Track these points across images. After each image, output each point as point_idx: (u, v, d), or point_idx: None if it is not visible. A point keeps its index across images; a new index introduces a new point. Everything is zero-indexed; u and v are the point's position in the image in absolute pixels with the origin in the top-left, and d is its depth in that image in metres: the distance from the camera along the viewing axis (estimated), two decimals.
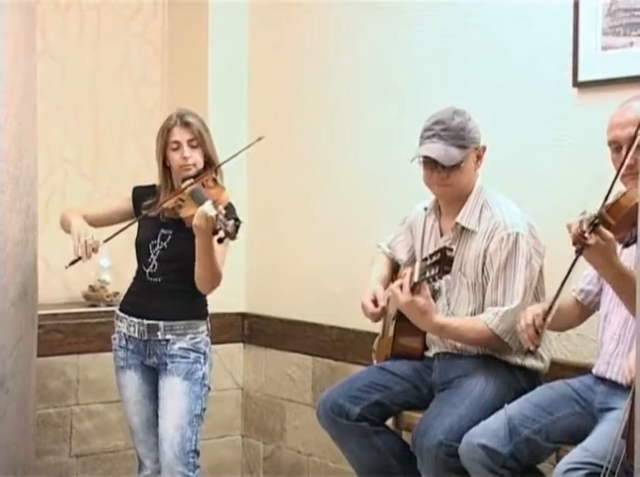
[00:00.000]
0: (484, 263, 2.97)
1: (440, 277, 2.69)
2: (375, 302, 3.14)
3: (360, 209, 3.95)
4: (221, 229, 2.88)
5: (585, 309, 2.87)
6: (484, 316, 2.93)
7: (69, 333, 4.08)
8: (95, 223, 3.29)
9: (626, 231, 2.34)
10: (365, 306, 3.15)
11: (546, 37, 3.27)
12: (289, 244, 4.29)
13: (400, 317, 3.11)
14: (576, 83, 3.17)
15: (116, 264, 4.32)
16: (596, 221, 2.30)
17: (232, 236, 2.88)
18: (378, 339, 3.35)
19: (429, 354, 3.14)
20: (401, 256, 3.28)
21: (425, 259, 2.75)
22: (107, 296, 4.28)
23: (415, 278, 2.75)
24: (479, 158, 3.02)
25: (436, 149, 2.95)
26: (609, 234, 2.32)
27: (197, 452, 3.21)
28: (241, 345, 4.47)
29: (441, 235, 3.10)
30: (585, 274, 2.82)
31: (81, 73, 4.41)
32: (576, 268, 2.49)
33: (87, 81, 4.43)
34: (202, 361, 3.22)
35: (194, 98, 4.15)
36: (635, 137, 2.39)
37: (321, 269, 4.12)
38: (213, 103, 4.36)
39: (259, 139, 3.21)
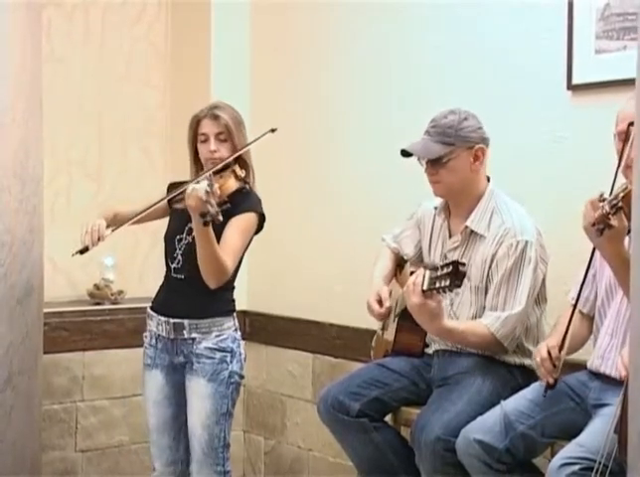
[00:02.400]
0: (490, 268, 2.96)
1: (451, 290, 2.67)
2: (379, 302, 3.15)
3: (360, 208, 3.96)
4: (208, 212, 2.77)
5: (591, 318, 2.83)
6: (485, 320, 2.93)
7: (74, 330, 4.09)
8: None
9: (629, 221, 2.36)
10: (370, 307, 3.15)
11: (541, 41, 3.28)
12: (290, 244, 4.30)
13: (402, 315, 3.12)
14: (571, 86, 3.18)
15: (120, 263, 4.34)
16: (619, 204, 2.32)
17: (217, 220, 2.78)
18: (376, 336, 3.36)
19: (429, 351, 3.15)
20: (408, 251, 3.27)
21: (436, 269, 2.71)
22: (112, 294, 4.29)
23: (425, 287, 2.71)
24: (477, 159, 2.99)
25: (416, 144, 2.99)
26: (625, 218, 2.34)
27: (227, 446, 3.15)
28: (243, 342, 4.46)
29: (450, 236, 3.10)
30: (578, 281, 2.80)
31: (86, 75, 4.42)
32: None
33: (92, 84, 4.43)
34: (228, 360, 3.12)
35: (196, 100, 4.15)
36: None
37: (321, 268, 4.13)
38: None
39: (273, 131, 3.13)
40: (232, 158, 3.10)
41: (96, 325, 4.16)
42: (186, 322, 3.12)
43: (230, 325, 3.18)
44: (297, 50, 4.28)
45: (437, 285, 2.66)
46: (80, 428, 4.15)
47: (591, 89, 3.12)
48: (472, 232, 3.01)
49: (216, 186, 2.84)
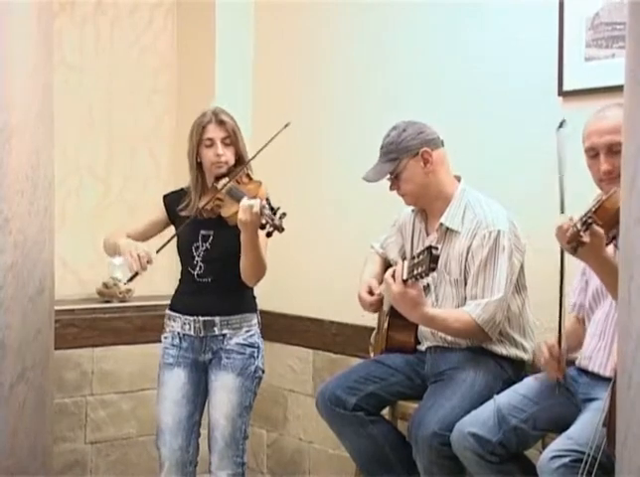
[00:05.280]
0: (466, 260, 2.98)
1: (427, 274, 2.71)
2: (371, 293, 3.16)
3: (358, 209, 3.96)
4: (267, 223, 2.80)
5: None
6: (467, 307, 2.95)
7: (84, 327, 4.10)
8: (138, 239, 3.20)
9: (607, 231, 2.36)
10: (362, 298, 3.17)
11: (533, 49, 3.29)
12: (291, 245, 4.28)
13: (393, 313, 3.13)
14: (561, 92, 3.19)
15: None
16: (590, 220, 2.32)
17: (280, 229, 2.81)
18: (374, 333, 3.37)
19: (422, 347, 3.16)
20: (392, 256, 3.30)
21: (413, 258, 2.76)
22: (120, 293, 4.29)
23: (404, 276, 2.76)
24: (426, 162, 3.02)
25: (370, 171, 3.09)
26: (601, 231, 2.33)
27: (246, 438, 3.18)
28: None
29: (427, 235, 3.13)
30: (573, 289, 2.82)
31: (96, 82, 4.42)
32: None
33: (101, 90, 4.44)
34: (256, 355, 3.14)
35: (201, 105, 4.16)
36: (612, 145, 2.45)
37: (321, 268, 4.13)
38: None
39: (286, 126, 3.09)
40: (243, 167, 3.11)
41: (105, 322, 4.16)
42: (217, 319, 3.12)
43: (255, 322, 3.21)
44: (298, 53, 4.27)
45: (415, 272, 2.71)
46: (89, 421, 4.16)
47: (581, 96, 3.13)
48: (447, 228, 3.04)
49: (258, 198, 2.88)
